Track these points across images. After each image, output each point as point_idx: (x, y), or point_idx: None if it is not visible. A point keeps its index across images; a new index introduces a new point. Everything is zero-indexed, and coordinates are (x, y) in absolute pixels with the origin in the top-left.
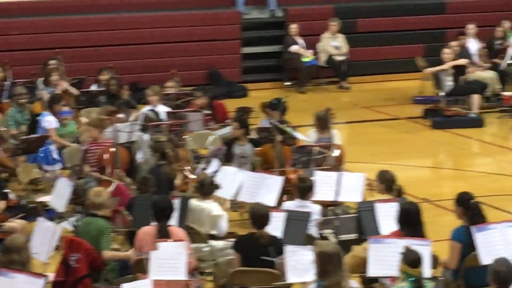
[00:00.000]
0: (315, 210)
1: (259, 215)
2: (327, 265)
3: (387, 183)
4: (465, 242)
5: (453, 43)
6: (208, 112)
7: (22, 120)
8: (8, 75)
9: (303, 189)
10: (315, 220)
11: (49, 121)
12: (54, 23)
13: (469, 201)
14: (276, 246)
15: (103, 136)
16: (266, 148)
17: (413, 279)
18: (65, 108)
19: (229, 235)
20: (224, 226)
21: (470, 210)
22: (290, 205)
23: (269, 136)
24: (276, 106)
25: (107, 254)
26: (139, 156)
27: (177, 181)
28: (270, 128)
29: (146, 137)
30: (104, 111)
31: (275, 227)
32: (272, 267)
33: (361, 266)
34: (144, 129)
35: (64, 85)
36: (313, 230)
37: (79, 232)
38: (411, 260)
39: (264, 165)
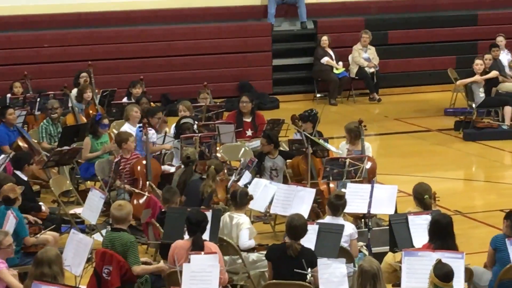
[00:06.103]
0: (348, 226)
1: (293, 225)
2: (365, 281)
3: (417, 196)
4: (499, 248)
5: (487, 56)
6: (248, 120)
7: (55, 133)
8: (28, 87)
9: (337, 207)
10: (347, 236)
11: None
12: (85, 35)
13: None
14: (306, 257)
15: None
16: (297, 160)
17: None
18: (105, 121)
19: (260, 247)
20: (245, 239)
21: None
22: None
23: (300, 148)
24: (307, 118)
25: (137, 269)
26: (171, 167)
27: (219, 194)
28: (301, 140)
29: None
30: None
31: (308, 239)
32: (303, 279)
33: (390, 273)
34: (179, 136)
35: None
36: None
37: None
38: (444, 273)
39: (295, 177)
